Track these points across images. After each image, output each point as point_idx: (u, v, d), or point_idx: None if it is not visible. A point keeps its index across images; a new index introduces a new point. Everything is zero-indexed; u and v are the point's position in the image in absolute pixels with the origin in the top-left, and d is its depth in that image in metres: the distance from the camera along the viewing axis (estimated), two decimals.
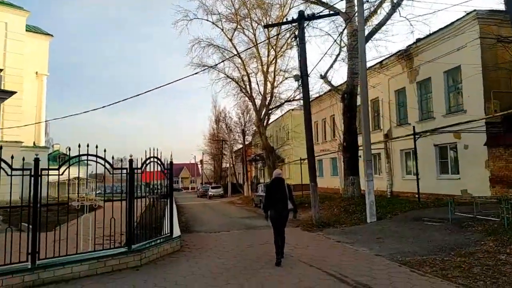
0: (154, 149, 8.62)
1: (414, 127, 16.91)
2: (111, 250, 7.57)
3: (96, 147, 7.33)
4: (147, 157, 8.41)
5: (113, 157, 7.57)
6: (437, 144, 17.90)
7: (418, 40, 19.02)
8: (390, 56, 21.15)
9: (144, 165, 8.33)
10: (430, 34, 18.12)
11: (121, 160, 7.83)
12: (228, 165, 53.00)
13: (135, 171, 8.09)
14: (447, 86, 17.85)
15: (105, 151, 7.44)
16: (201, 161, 72.83)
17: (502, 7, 16.73)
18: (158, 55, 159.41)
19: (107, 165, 7.59)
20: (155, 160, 8.79)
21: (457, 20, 16.47)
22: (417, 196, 16.44)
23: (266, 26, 17.26)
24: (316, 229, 11.97)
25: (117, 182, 8.50)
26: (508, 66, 14.26)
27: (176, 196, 51.94)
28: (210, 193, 44.23)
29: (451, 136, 16.83)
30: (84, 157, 7.29)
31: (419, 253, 7.81)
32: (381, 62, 22.02)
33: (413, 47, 19.44)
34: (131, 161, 7.87)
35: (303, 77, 13.42)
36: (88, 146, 7.20)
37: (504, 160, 14.58)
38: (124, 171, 7.87)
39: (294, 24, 15.30)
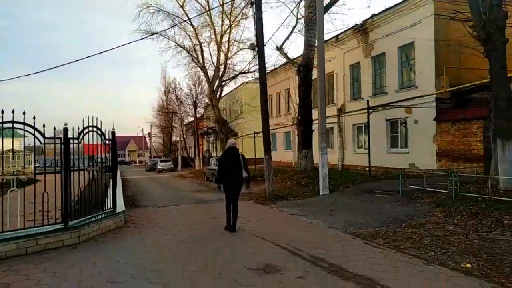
0: (93, 118, 7.76)
1: (368, 101, 17.06)
2: (44, 227, 6.78)
3: (24, 113, 6.40)
4: (85, 126, 7.55)
5: (44, 125, 6.68)
6: (389, 119, 18.25)
7: (374, 15, 18.98)
8: (346, 30, 21.02)
9: (82, 134, 7.48)
10: (387, 9, 18.12)
11: (54, 129, 6.93)
12: (178, 138, 51.63)
13: (72, 141, 7.26)
14: (400, 62, 18.09)
15: (34, 118, 6.53)
16: (149, 134, 70.58)
17: None
18: (105, 22, 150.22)
19: (38, 134, 6.69)
20: (95, 129, 7.95)
21: None
22: (367, 169, 16.78)
23: None
24: (269, 202, 11.77)
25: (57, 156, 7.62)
26: (459, 43, 14.55)
27: (124, 170, 50.12)
28: (159, 166, 42.81)
29: (403, 111, 17.19)
30: (8, 125, 6.34)
31: (371, 225, 7.78)
32: (337, 36, 21.88)
33: (369, 22, 19.40)
34: (65, 130, 6.98)
35: (259, 46, 12.83)
36: (13, 112, 6.26)
37: (451, 135, 15.13)
38: (58, 141, 7.00)
39: None
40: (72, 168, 7.34)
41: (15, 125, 6.47)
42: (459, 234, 6.65)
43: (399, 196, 10.46)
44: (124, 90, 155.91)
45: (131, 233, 7.89)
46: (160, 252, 6.35)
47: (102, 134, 8.40)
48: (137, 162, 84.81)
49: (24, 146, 6.90)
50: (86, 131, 7.62)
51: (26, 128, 6.56)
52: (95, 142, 8.24)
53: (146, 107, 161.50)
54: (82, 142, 7.64)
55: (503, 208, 7.36)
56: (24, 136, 6.55)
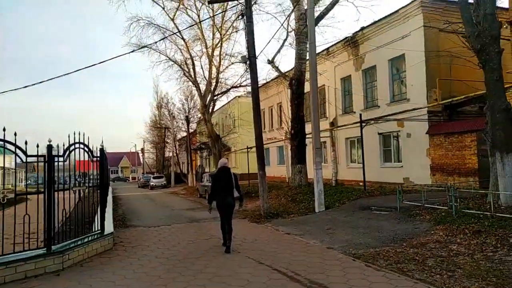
0: (79, 134, 7.40)
1: (360, 114, 16.90)
2: (25, 253, 6.35)
3: (4, 129, 6.03)
4: (71, 143, 7.18)
5: (26, 143, 6.31)
6: (381, 132, 18.11)
7: (363, 28, 19.02)
8: (337, 43, 21.05)
9: (68, 152, 7.11)
10: (376, 22, 18.17)
11: (37, 146, 6.53)
12: (171, 154, 51.03)
13: (57, 159, 6.90)
14: (391, 75, 18.04)
15: (15, 134, 6.15)
16: (142, 150, 69.76)
17: None
18: (97, 36, 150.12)
19: (19, 152, 6.30)
20: (82, 146, 7.58)
21: (401, 8, 16.60)
22: (361, 183, 16.51)
23: (211, 2, 16.10)
24: (264, 220, 11.38)
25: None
26: (449, 54, 14.56)
27: (117, 186, 49.30)
28: (152, 183, 42.12)
29: (395, 125, 17.08)
30: None
31: (371, 244, 7.47)
32: (327, 49, 21.92)
33: (359, 35, 19.42)
34: (49, 147, 6.62)
35: (250, 59, 12.64)
36: None
37: (444, 148, 14.98)
38: (41, 159, 6.61)
39: (240, 2, 14.41)
40: (57, 188, 6.98)
41: None
42: (463, 254, 6.37)
43: (397, 212, 10.16)
44: (116, 106, 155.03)
45: (119, 257, 7.46)
46: (150, 279, 5.94)
47: (90, 151, 8.04)
48: (130, 178, 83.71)
49: (4, 164, 6.51)
50: (72, 148, 7.26)
51: (7, 145, 6.19)
52: (83, 159, 7.90)
53: (139, 122, 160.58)
54: (73, 160, 7.30)
55: (507, 226, 7.09)
56: (4, 154, 6.12)
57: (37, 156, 6.57)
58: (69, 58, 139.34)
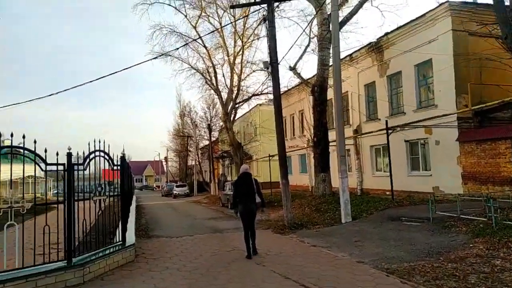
0: (99, 142, 7.26)
1: (387, 121, 16.32)
2: (45, 266, 6.17)
3: (23, 137, 5.92)
4: (91, 150, 7.04)
5: (46, 150, 6.18)
6: (408, 140, 17.46)
7: (388, 33, 18.51)
8: (360, 49, 20.57)
9: (88, 160, 6.96)
10: (401, 26, 17.61)
11: (57, 154, 6.39)
12: (193, 162, 51.21)
13: (76, 167, 6.76)
14: (418, 80, 17.41)
15: (35, 142, 6.03)
16: (166, 158, 70.45)
17: None
18: (121, 48, 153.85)
19: (38, 160, 6.18)
20: (102, 154, 7.43)
21: (428, 11, 16.03)
22: (388, 193, 15.91)
23: (233, 7, 16.04)
24: (288, 231, 10.95)
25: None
26: (480, 58, 13.90)
27: (143, 195, 49.73)
28: (175, 192, 42.37)
29: (422, 132, 16.41)
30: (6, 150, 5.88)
31: (405, 258, 6.98)
32: (350, 55, 21.45)
33: (384, 40, 18.89)
34: (69, 154, 6.47)
35: (272, 64, 12.37)
36: (12, 136, 5.81)
37: (476, 156, 14.24)
38: (61, 167, 6.47)
39: (263, 6, 14.23)
40: (77, 198, 6.83)
41: (15, 150, 6.04)
42: (509, 270, 5.81)
43: (430, 224, 9.59)
44: (141, 115, 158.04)
45: (141, 270, 7.21)
46: None
47: (110, 159, 7.89)
48: (155, 186, 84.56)
49: (24, 173, 6.36)
50: (92, 156, 7.12)
51: (26, 153, 6.09)
52: (107, 169, 7.83)
53: (162, 131, 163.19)
54: (94, 169, 7.18)
55: None
56: (24, 162, 6.00)
57: (57, 164, 6.42)
58: (94, 70, 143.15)
